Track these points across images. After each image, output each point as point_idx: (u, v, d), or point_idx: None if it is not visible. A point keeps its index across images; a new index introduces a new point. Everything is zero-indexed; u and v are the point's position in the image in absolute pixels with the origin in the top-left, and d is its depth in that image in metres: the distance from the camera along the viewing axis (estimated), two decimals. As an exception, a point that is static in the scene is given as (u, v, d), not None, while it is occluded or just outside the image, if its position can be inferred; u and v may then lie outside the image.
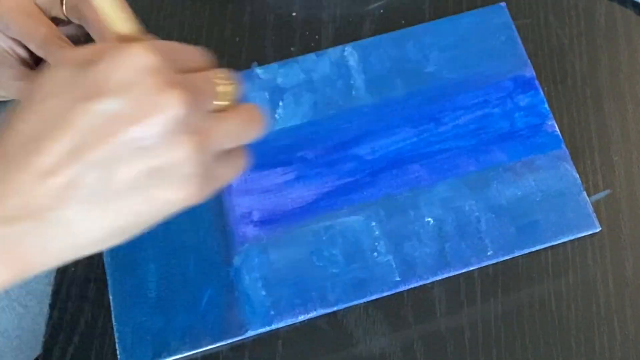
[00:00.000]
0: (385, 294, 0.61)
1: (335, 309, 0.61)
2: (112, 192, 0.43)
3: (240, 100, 0.48)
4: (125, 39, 0.46)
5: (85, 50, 0.45)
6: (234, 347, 0.60)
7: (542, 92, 0.68)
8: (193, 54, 0.48)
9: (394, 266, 0.62)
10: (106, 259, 0.63)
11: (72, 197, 0.43)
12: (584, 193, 0.63)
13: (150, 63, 0.43)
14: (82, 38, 0.70)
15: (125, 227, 0.45)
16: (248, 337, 0.60)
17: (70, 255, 0.45)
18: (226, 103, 0.47)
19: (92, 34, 0.68)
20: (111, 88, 0.42)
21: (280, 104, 0.68)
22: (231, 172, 0.48)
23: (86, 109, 0.42)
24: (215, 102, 0.46)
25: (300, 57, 0.70)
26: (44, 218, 0.43)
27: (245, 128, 0.48)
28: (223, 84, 0.47)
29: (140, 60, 0.43)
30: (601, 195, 0.64)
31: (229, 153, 0.47)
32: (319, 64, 0.70)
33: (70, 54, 0.45)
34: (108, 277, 0.63)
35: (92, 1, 0.46)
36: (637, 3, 0.71)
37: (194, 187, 0.44)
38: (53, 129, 0.43)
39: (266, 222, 0.63)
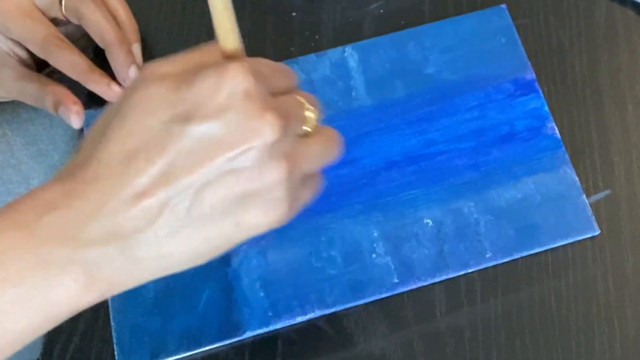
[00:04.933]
0: (383, 296, 0.61)
1: (333, 310, 0.61)
2: (203, 215, 0.43)
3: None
4: (229, 54, 0.46)
5: (181, 64, 0.45)
6: (233, 347, 0.60)
7: (542, 95, 0.67)
8: (283, 74, 0.48)
9: (393, 268, 0.62)
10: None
11: (163, 219, 0.43)
12: (584, 196, 0.63)
13: (248, 86, 0.43)
14: (81, 38, 0.70)
15: (211, 249, 0.45)
16: (246, 338, 0.61)
17: (154, 276, 0.46)
18: (310, 128, 0.47)
19: (92, 34, 0.68)
20: (209, 111, 0.42)
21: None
22: (311, 194, 0.49)
23: (184, 132, 0.42)
24: (303, 127, 0.47)
25: (300, 58, 0.70)
26: (133, 240, 0.43)
27: (327, 152, 0.49)
28: (309, 109, 0.47)
29: (238, 83, 0.43)
30: (601, 195, 0.64)
31: (311, 176, 0.48)
32: (318, 65, 0.70)
33: (165, 69, 0.44)
34: (108, 278, 0.63)
35: (212, 10, 0.46)
36: (637, 3, 0.71)
37: (282, 210, 0.45)
38: (149, 150, 0.42)
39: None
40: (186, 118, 0.42)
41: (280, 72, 0.48)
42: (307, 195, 0.48)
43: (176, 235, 0.43)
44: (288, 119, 0.44)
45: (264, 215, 0.45)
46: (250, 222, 0.45)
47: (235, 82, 0.43)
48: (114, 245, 0.43)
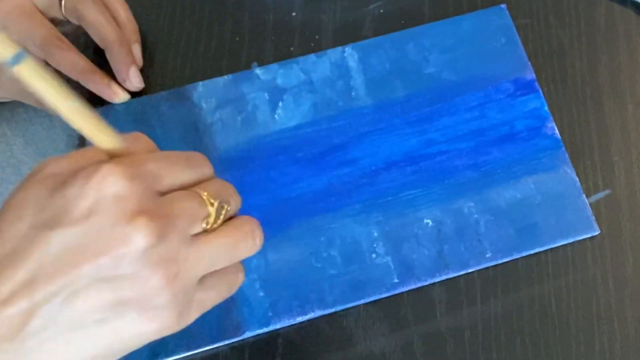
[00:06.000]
0: (383, 296, 0.61)
1: (333, 310, 0.61)
2: (73, 324, 0.41)
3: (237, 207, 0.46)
4: (113, 153, 0.43)
5: (69, 164, 0.43)
6: (233, 348, 0.60)
7: (542, 95, 0.67)
8: (185, 166, 0.45)
9: (393, 268, 0.62)
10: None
11: (31, 328, 0.41)
12: (584, 196, 0.63)
13: (119, 189, 0.41)
14: (81, 38, 0.70)
15: (92, 358, 0.43)
16: (246, 338, 0.60)
17: None
18: (209, 224, 0.44)
19: (91, 35, 0.68)
20: (73, 218, 0.41)
21: (280, 104, 0.68)
22: (220, 294, 0.46)
23: (47, 238, 0.40)
24: (202, 225, 0.44)
25: (300, 58, 0.70)
26: (0, 348, 0.41)
27: (236, 248, 0.45)
28: (213, 204, 0.44)
29: (108, 186, 0.41)
30: (601, 195, 0.64)
31: (218, 273, 0.45)
32: (318, 65, 0.70)
33: (52, 169, 0.43)
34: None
35: (68, 121, 0.43)
36: (637, 3, 0.71)
37: (169, 317, 0.42)
38: (14, 257, 0.41)
39: (264, 223, 0.63)
40: (51, 224, 0.41)
41: (182, 164, 0.45)
42: (215, 295, 0.46)
43: (45, 345, 0.41)
44: (170, 220, 0.42)
45: (145, 324, 0.42)
46: (130, 330, 0.42)
47: (103, 185, 0.41)
48: None
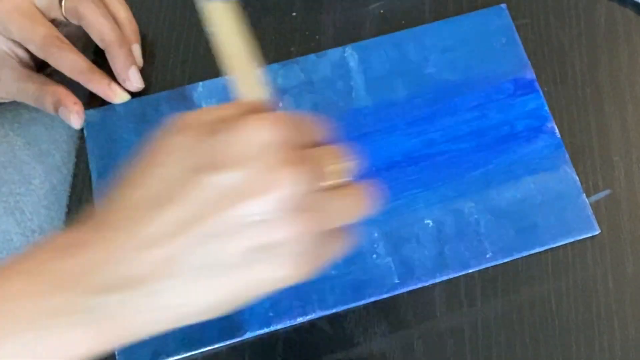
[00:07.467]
0: (384, 296, 0.61)
1: (334, 310, 0.61)
2: (217, 267, 0.43)
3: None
4: (255, 107, 0.45)
5: (209, 116, 0.44)
6: (234, 348, 0.61)
7: (542, 94, 0.68)
8: (314, 127, 0.47)
9: (393, 268, 0.62)
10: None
11: (175, 270, 0.42)
12: (584, 195, 0.63)
13: (272, 138, 0.43)
14: (81, 38, 0.70)
15: (225, 302, 0.44)
16: (247, 338, 0.61)
17: (167, 326, 0.44)
18: (339, 181, 0.46)
19: (92, 35, 0.68)
20: (229, 162, 0.42)
21: (280, 105, 0.68)
22: (334, 251, 0.47)
23: (200, 181, 0.42)
24: (329, 181, 0.45)
25: (300, 58, 0.70)
26: (142, 289, 0.42)
27: (355, 208, 0.47)
28: (338, 163, 0.46)
29: (262, 135, 0.42)
30: (601, 195, 0.64)
31: (334, 231, 0.46)
32: (319, 65, 0.70)
33: (191, 119, 0.44)
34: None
35: (228, 67, 0.45)
36: (637, 3, 0.71)
37: (299, 266, 0.44)
38: (163, 198, 0.42)
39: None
40: (207, 167, 0.42)
41: (309, 125, 0.47)
42: (330, 252, 0.47)
43: (188, 287, 0.43)
44: (312, 172, 0.43)
45: (280, 270, 0.44)
46: (266, 276, 0.44)
47: (260, 133, 0.43)
48: (124, 294, 0.42)
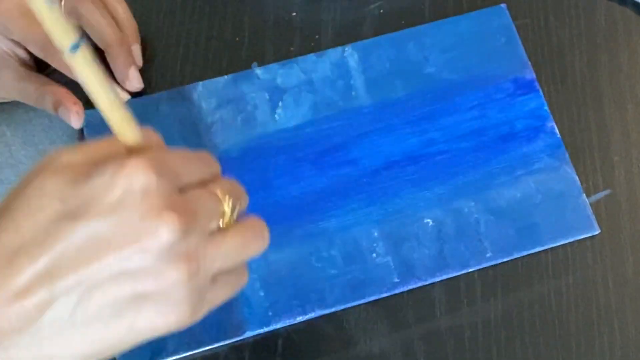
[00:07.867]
0: (383, 296, 0.61)
1: (333, 310, 0.61)
2: (91, 317, 0.41)
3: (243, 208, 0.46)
4: (132, 149, 0.43)
5: (86, 155, 0.42)
6: (233, 347, 0.60)
7: (542, 94, 0.67)
8: (200, 164, 0.45)
9: (393, 267, 0.62)
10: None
11: (45, 320, 0.40)
12: (584, 195, 0.63)
13: (148, 183, 0.40)
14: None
15: (101, 351, 0.43)
16: (247, 338, 0.61)
17: None
18: (225, 223, 0.45)
19: (91, 35, 0.68)
20: (101, 209, 0.40)
21: (280, 104, 0.68)
22: (227, 292, 0.46)
23: (71, 229, 0.40)
24: (218, 222, 0.44)
25: (300, 58, 0.70)
26: (11, 340, 0.41)
27: (247, 247, 0.46)
28: (226, 203, 0.45)
29: (137, 179, 0.40)
30: (601, 195, 0.64)
31: (228, 272, 0.45)
32: (319, 65, 0.70)
33: (68, 158, 0.42)
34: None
35: (101, 112, 0.43)
36: (637, 3, 0.71)
37: (184, 312, 0.42)
38: (33, 247, 0.40)
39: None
40: (76, 215, 0.40)
41: (195, 163, 0.45)
42: (222, 294, 0.46)
43: (59, 337, 0.41)
44: (193, 216, 0.41)
45: (161, 318, 0.42)
46: (145, 325, 0.42)
47: (132, 178, 0.40)
48: None
